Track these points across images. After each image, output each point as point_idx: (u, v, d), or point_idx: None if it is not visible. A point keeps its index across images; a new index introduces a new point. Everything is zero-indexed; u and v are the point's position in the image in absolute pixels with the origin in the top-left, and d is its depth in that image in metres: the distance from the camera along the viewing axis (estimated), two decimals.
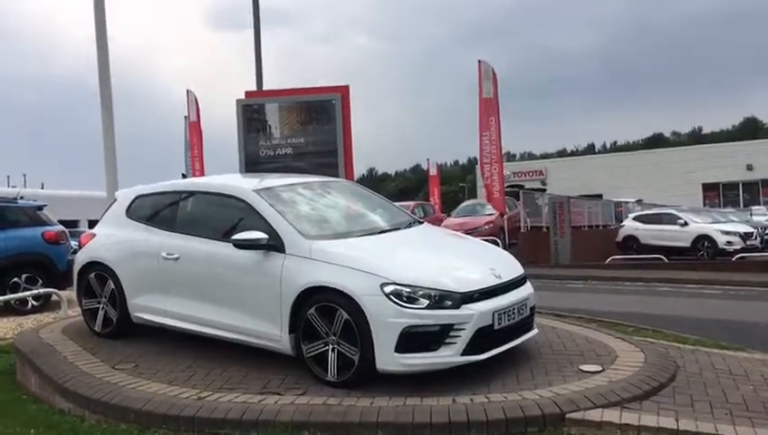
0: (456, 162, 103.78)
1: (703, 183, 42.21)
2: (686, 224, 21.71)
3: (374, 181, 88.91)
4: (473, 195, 48.75)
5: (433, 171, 40.93)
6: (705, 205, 38.76)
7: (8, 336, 8.53)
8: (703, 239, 21.07)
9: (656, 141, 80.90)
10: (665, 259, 19.54)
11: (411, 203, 25.23)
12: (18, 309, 10.63)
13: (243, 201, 5.75)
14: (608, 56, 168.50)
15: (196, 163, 22.86)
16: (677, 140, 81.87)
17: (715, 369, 5.49)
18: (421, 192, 60.00)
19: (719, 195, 42.22)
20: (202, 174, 20.89)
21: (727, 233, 20.98)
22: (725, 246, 20.46)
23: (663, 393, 4.81)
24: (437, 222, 20.00)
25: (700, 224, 21.84)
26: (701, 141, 62.32)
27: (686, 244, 21.36)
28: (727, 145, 46.17)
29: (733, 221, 23.00)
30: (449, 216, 24.81)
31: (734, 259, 18.81)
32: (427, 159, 42.95)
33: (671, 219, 22.35)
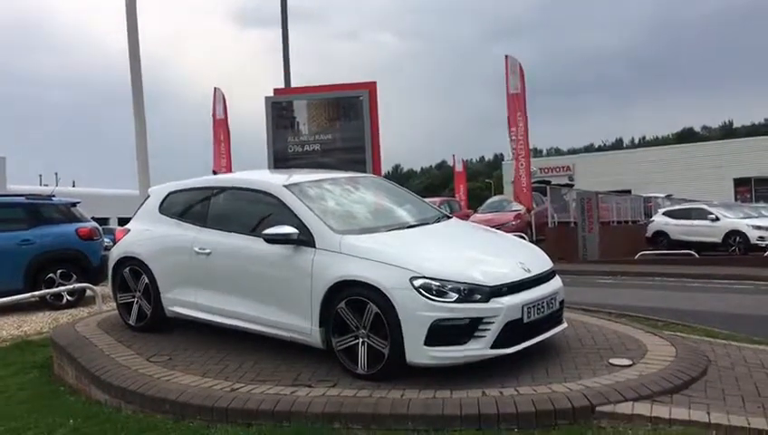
0: (482, 158, 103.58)
1: (734, 178, 41.59)
2: (716, 219, 21.44)
3: (400, 178, 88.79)
4: (499, 191, 48.58)
5: (459, 168, 40.74)
6: (736, 199, 38.17)
7: (44, 330, 8.73)
8: (734, 234, 20.81)
9: (686, 136, 79.69)
10: (695, 254, 19.31)
11: (437, 199, 25.17)
12: (53, 304, 10.85)
13: (273, 196, 5.83)
14: (636, 51, 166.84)
15: (222, 160, 23.07)
16: (708, 135, 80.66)
17: (747, 363, 5.45)
18: (447, 188, 59.86)
19: (751, 189, 41.54)
20: (229, 170, 21.06)
21: (759, 228, 20.68)
22: (757, 242, 20.19)
23: (694, 387, 4.80)
24: (464, 218, 19.96)
25: (731, 219, 21.54)
26: (732, 136, 61.49)
27: (717, 239, 21.10)
28: (759, 139, 45.45)
29: (765, 216, 22.62)
30: (475, 212, 24.74)
31: (766, 254, 18.51)
32: (453, 156, 42.73)
33: (702, 214, 22.08)
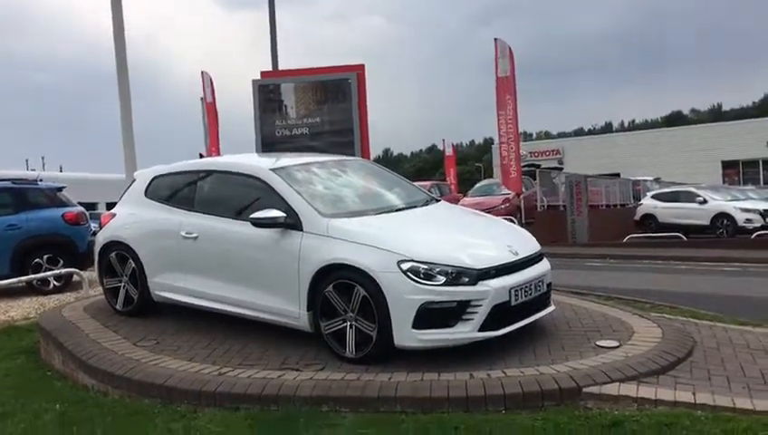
0: (473, 142, 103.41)
1: (722, 160, 41.74)
2: (704, 202, 21.52)
3: (390, 162, 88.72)
4: (489, 174, 48.60)
5: (449, 151, 40.79)
6: (724, 182, 38.35)
7: (31, 316, 8.68)
8: (722, 217, 20.89)
9: (675, 119, 79.83)
10: (683, 237, 19.40)
11: (427, 183, 25.17)
12: (40, 289, 10.80)
13: (260, 180, 5.79)
14: (625, 35, 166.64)
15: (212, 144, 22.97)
16: (697, 118, 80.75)
17: (733, 344, 5.48)
18: (437, 172, 59.86)
19: (739, 172, 41.73)
20: (218, 154, 20.97)
21: (747, 210, 20.78)
22: (745, 224, 20.27)
23: (680, 368, 4.82)
24: (454, 202, 19.92)
25: (719, 201, 21.62)
26: (721, 119, 61.54)
27: (705, 222, 21.18)
28: (747, 122, 45.50)
29: (752, 199, 22.74)
30: (466, 195, 24.75)
31: (753, 237, 18.62)
32: (443, 140, 42.80)
33: (690, 197, 22.15)
